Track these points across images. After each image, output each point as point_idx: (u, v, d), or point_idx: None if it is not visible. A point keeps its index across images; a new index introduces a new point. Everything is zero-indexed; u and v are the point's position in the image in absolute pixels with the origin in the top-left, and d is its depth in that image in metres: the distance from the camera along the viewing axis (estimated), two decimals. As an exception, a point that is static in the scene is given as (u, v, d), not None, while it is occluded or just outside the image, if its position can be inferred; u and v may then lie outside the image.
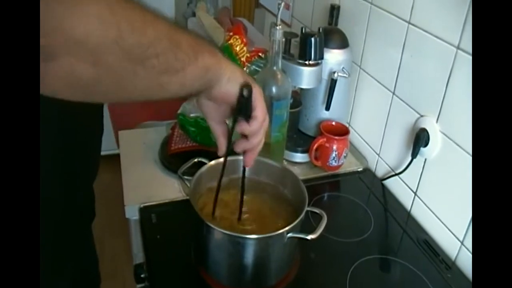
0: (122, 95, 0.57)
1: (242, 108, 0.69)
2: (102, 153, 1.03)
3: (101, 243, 2.45)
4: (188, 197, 0.85)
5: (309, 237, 0.82)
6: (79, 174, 0.94)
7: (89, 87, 0.51)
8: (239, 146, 0.76)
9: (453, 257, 1.01)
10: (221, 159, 0.86)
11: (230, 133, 0.75)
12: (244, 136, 0.75)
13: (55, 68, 0.46)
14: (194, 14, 2.24)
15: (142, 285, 0.99)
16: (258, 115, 0.71)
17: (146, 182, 1.16)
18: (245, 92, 0.67)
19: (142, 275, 0.98)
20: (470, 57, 0.90)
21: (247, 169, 0.84)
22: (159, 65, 0.54)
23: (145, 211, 1.06)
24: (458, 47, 0.94)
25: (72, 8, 0.43)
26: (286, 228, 0.81)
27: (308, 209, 0.87)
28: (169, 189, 1.14)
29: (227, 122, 0.76)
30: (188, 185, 0.89)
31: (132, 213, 1.08)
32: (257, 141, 0.75)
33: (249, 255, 0.84)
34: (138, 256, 1.11)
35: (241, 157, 0.81)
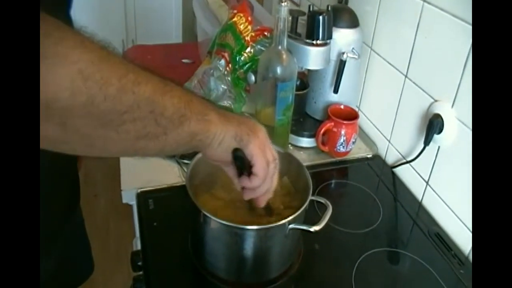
0: (93, 154, 0.54)
1: (239, 168, 0.68)
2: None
3: (106, 226, 2.45)
4: (187, 183, 0.82)
5: (312, 229, 0.78)
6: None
7: (57, 145, 0.49)
8: (247, 196, 0.73)
9: (466, 252, 0.96)
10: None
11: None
12: None
13: None
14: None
15: (139, 273, 0.95)
16: (257, 172, 0.68)
17: (145, 166, 1.12)
18: (237, 158, 0.66)
19: (139, 263, 0.94)
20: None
21: None
22: (135, 131, 0.51)
23: (142, 197, 1.02)
24: (477, 27, 0.87)
25: (43, 70, 0.41)
26: (288, 219, 0.77)
27: (312, 198, 0.82)
28: (168, 173, 1.09)
29: None
30: (186, 170, 0.84)
31: (129, 198, 1.05)
32: (263, 190, 0.72)
33: (248, 247, 0.79)
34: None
35: None
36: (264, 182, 0.70)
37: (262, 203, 0.75)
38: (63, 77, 0.42)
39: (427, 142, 1.03)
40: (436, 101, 1.02)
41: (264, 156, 0.68)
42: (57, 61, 0.42)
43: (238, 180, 0.71)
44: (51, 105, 0.42)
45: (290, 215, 0.77)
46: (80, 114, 0.45)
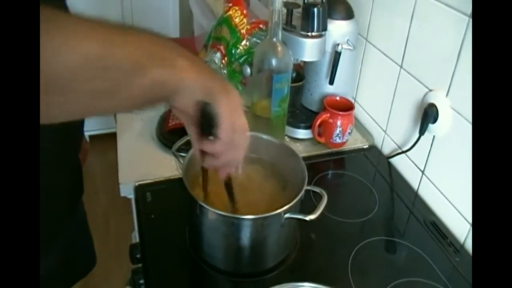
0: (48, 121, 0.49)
1: (201, 127, 0.62)
2: (109, 130, 1.00)
3: (107, 221, 2.46)
4: (184, 175, 0.82)
5: (308, 218, 0.78)
6: (64, 143, 0.90)
7: None
8: (207, 163, 0.69)
9: (461, 240, 0.96)
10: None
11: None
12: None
13: None
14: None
15: (138, 265, 0.96)
16: (219, 134, 0.62)
17: (143, 160, 1.13)
18: (203, 114, 0.60)
19: (138, 255, 0.95)
20: (483, 26, 0.84)
21: None
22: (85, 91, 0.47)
23: (140, 190, 1.03)
24: (470, 16, 0.88)
25: None
26: (284, 208, 0.77)
27: (308, 188, 0.83)
28: (166, 166, 1.10)
29: None
30: (182, 162, 0.85)
31: (127, 191, 1.05)
32: (227, 159, 0.66)
33: (245, 237, 0.80)
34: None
35: None
36: (228, 149, 0.65)
37: (222, 175, 0.73)
38: None
39: (422, 132, 1.03)
40: (430, 90, 1.03)
41: (231, 119, 0.62)
42: None
43: (198, 144, 0.65)
44: None
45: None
46: None
